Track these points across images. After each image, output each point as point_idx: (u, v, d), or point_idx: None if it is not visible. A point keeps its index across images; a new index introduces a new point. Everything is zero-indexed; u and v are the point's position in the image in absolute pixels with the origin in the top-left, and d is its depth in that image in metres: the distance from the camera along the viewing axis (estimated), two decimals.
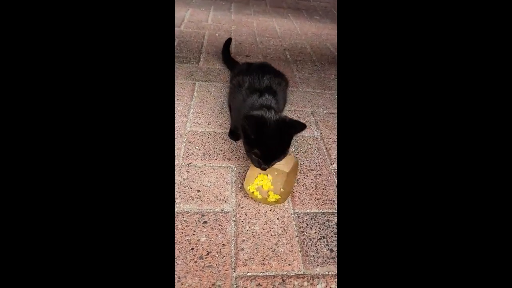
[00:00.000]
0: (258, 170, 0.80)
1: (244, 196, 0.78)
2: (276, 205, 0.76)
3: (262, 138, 0.74)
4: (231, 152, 0.92)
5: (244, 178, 0.80)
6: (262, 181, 0.82)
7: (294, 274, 0.62)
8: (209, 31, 1.78)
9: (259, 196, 0.77)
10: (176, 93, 1.17)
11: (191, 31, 1.75)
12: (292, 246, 0.67)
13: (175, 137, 0.95)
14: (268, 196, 0.78)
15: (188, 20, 1.91)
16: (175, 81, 1.25)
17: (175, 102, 1.12)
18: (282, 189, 0.80)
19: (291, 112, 1.15)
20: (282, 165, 0.85)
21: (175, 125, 1.00)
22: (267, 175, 0.84)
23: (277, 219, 0.73)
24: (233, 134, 0.97)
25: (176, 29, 1.76)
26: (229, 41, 1.46)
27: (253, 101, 0.86)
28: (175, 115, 1.05)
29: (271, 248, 0.66)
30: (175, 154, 0.89)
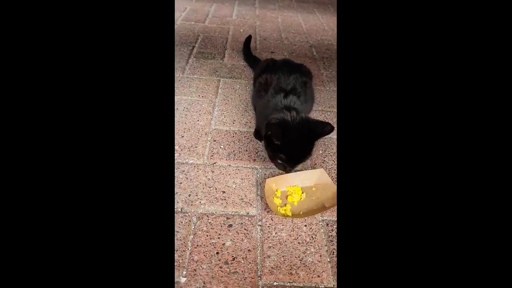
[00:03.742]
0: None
1: None
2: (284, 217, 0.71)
3: (286, 142, 0.74)
4: (256, 153, 0.90)
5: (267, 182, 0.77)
6: (293, 191, 0.77)
7: (323, 287, 0.58)
8: (233, 26, 1.76)
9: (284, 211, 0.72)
10: (201, 90, 1.15)
11: (216, 27, 1.73)
12: (321, 256, 0.64)
13: (199, 135, 0.93)
14: (284, 206, 0.73)
15: (213, 15, 1.89)
16: (200, 77, 1.23)
17: (200, 99, 1.10)
18: (301, 212, 0.73)
19: (318, 112, 1.11)
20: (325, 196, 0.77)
21: (200, 123, 0.98)
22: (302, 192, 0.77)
23: (305, 226, 0.70)
24: (259, 134, 0.94)
25: (200, 24, 1.74)
26: (249, 38, 1.43)
27: (277, 102, 0.84)
28: (200, 113, 1.03)
29: (298, 257, 0.63)
30: (200, 153, 0.87)
